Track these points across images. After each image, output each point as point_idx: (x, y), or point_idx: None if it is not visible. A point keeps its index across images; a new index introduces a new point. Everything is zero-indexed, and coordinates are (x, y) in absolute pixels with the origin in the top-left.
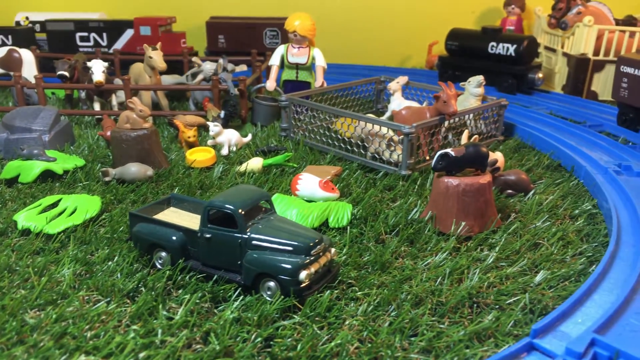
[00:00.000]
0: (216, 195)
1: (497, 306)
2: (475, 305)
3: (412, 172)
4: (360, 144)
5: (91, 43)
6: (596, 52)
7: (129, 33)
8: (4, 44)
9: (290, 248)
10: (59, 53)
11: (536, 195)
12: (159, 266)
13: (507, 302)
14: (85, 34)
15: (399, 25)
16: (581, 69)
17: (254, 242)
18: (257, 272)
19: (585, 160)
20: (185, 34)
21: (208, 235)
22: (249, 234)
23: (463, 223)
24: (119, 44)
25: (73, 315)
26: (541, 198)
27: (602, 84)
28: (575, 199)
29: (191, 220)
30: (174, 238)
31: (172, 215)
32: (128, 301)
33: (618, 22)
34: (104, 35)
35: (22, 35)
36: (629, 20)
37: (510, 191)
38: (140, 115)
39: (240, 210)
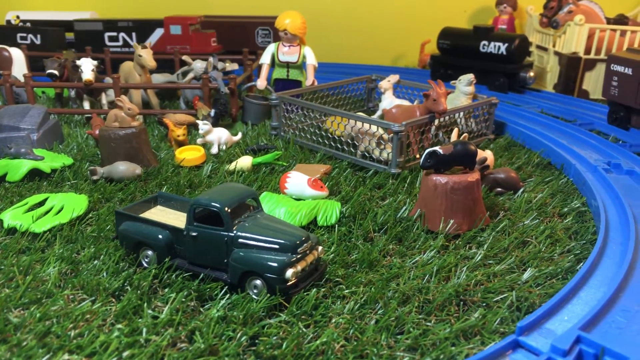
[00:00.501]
0: (202, 193)
1: (484, 304)
2: (462, 303)
3: (402, 171)
4: (350, 142)
5: (120, 43)
6: (587, 51)
7: (158, 32)
8: (32, 44)
9: (276, 246)
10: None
11: (525, 193)
12: (145, 265)
13: (494, 299)
14: (114, 33)
15: (392, 24)
16: (572, 68)
17: (240, 240)
18: (243, 270)
19: (575, 158)
20: (215, 33)
21: (194, 234)
22: (235, 232)
23: (451, 221)
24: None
25: (57, 314)
26: (530, 196)
27: (593, 82)
28: (565, 197)
29: (178, 219)
30: (160, 236)
31: (159, 214)
32: (113, 300)
33: (609, 21)
34: (133, 34)
35: (50, 36)
36: (620, 19)
37: (499, 189)
38: (129, 114)
39: (226, 208)
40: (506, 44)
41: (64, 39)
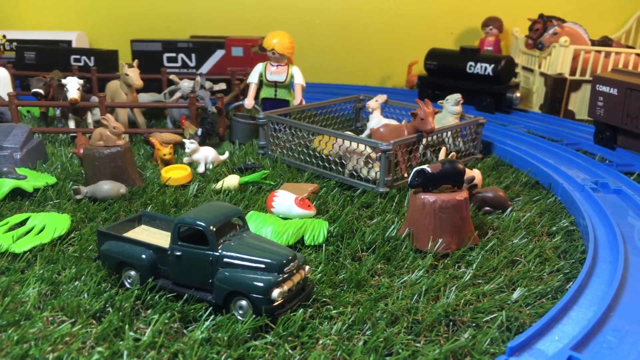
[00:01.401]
0: (187, 211)
1: (473, 324)
2: (451, 323)
3: (390, 190)
4: (338, 161)
5: (179, 64)
6: (573, 72)
7: (219, 54)
8: (86, 66)
9: (262, 266)
10: (145, 74)
11: (513, 212)
12: (127, 285)
13: (484, 319)
14: (173, 54)
15: (379, 45)
16: (558, 89)
17: (225, 259)
18: (228, 291)
19: (562, 177)
20: None
21: (178, 253)
22: (220, 251)
23: (440, 240)
24: (208, 65)
25: (35, 337)
26: (518, 215)
27: (579, 103)
28: (553, 216)
29: (162, 238)
30: (144, 256)
31: (143, 233)
32: (94, 322)
33: (594, 43)
34: (193, 55)
35: (104, 57)
36: (605, 41)
37: (487, 208)
38: (114, 132)
39: (211, 227)
40: (492, 65)
41: (117, 60)
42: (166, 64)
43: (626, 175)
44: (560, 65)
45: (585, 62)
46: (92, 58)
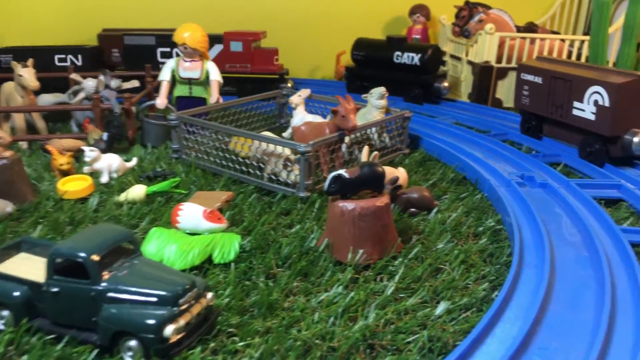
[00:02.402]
0: (65, 239)
1: (394, 347)
2: (369, 349)
3: (311, 194)
4: (256, 164)
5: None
6: (499, 60)
7: (217, 48)
8: (74, 65)
9: (154, 299)
10: (136, 71)
11: (439, 213)
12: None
13: (406, 341)
14: (168, 49)
15: (306, 35)
16: (485, 77)
17: (110, 294)
18: (114, 331)
19: (489, 172)
20: (277, 50)
21: (55, 289)
22: (104, 284)
23: (361, 251)
24: None
25: None
26: (444, 216)
27: (505, 91)
28: (479, 214)
29: (44, 269)
30: (16, 293)
31: (22, 263)
32: None
33: (519, 29)
34: None
35: (91, 54)
36: (530, 27)
37: (413, 210)
38: None
39: (92, 257)
40: (419, 55)
41: (103, 57)
42: (160, 59)
43: (552, 167)
44: (486, 53)
45: (511, 49)
46: (80, 57)
